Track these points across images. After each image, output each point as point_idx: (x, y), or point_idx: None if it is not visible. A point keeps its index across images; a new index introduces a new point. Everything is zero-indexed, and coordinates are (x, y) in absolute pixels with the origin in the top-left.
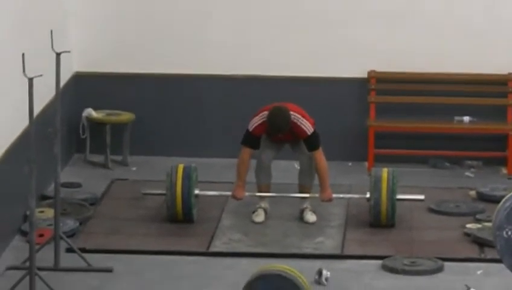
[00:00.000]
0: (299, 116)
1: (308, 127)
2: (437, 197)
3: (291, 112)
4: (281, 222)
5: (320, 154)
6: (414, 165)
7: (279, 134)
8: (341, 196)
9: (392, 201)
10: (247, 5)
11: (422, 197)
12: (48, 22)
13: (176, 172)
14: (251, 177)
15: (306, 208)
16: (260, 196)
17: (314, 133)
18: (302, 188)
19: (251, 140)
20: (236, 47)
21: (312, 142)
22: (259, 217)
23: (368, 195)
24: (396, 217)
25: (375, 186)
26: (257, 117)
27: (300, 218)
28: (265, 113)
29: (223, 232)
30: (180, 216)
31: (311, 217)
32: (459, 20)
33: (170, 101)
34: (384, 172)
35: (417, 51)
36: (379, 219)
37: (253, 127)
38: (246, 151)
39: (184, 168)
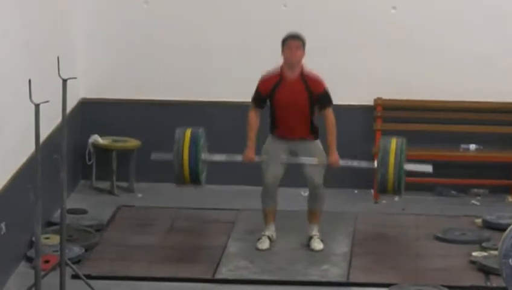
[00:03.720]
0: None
1: (323, 81)
2: (443, 225)
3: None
4: (286, 249)
5: (331, 113)
6: (420, 192)
7: (295, 41)
8: (349, 163)
9: (400, 169)
10: (253, 32)
11: (430, 169)
12: (55, 48)
13: (184, 136)
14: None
15: (314, 235)
16: (265, 219)
17: (327, 89)
18: (312, 213)
19: (256, 97)
20: (242, 74)
21: (327, 97)
22: (264, 244)
23: (375, 164)
24: (403, 186)
25: (384, 154)
26: (265, 74)
27: (307, 245)
28: (274, 68)
29: (229, 259)
30: (188, 180)
31: (318, 245)
32: (466, 48)
33: (176, 127)
34: (393, 142)
35: (424, 78)
36: (385, 186)
37: (259, 82)
38: (252, 111)
39: (192, 133)
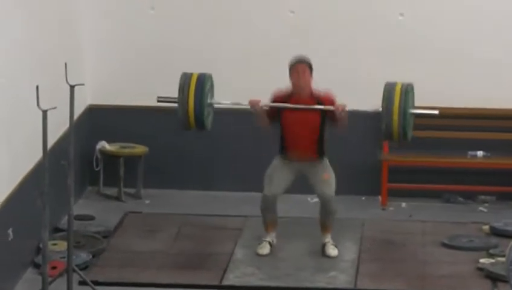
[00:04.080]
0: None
1: (333, 96)
2: (450, 232)
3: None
4: (293, 255)
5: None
6: (427, 199)
7: (301, 64)
8: (354, 108)
9: (405, 112)
10: (260, 39)
11: (436, 112)
12: (62, 54)
13: (190, 80)
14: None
15: (328, 242)
16: (266, 228)
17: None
18: (324, 226)
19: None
20: (250, 80)
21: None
22: (264, 249)
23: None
24: (409, 131)
25: (388, 98)
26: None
27: (322, 251)
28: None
29: (236, 266)
30: (192, 124)
31: (332, 251)
32: (473, 55)
33: (184, 134)
34: (398, 86)
35: (431, 85)
36: (391, 131)
37: (272, 95)
38: None
39: (198, 76)
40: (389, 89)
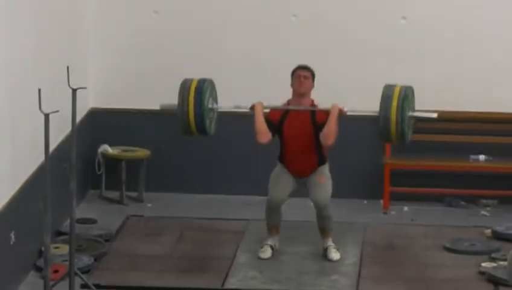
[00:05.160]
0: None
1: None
2: (452, 236)
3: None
4: (295, 259)
5: None
6: (429, 203)
7: (304, 71)
8: (353, 112)
9: (402, 113)
10: (264, 41)
11: (435, 115)
12: (65, 58)
13: (190, 85)
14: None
15: (330, 246)
16: (269, 231)
17: None
18: (323, 231)
19: (268, 125)
20: (254, 83)
21: None
22: (266, 253)
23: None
24: (407, 131)
25: (386, 99)
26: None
27: (324, 255)
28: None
29: (238, 269)
30: (194, 129)
31: (335, 254)
32: (474, 58)
33: (186, 137)
34: (397, 88)
35: (433, 89)
36: (388, 131)
37: (268, 113)
38: None
39: (198, 82)
40: (387, 90)
